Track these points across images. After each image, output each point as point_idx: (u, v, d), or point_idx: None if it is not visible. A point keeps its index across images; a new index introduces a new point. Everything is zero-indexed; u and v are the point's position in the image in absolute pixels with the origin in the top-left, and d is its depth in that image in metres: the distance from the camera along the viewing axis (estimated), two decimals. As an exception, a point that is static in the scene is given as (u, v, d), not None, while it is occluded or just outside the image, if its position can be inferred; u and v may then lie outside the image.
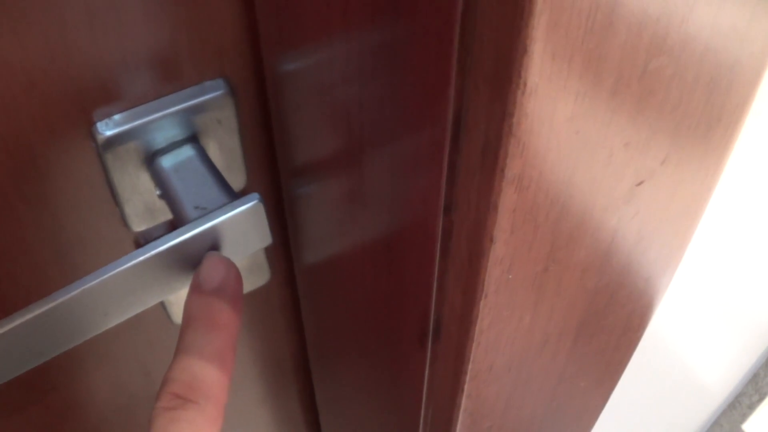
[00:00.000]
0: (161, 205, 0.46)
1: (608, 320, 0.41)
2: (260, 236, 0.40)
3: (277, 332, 0.67)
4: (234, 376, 0.68)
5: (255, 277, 0.58)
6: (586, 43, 0.24)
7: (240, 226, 0.39)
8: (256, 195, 0.39)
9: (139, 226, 0.47)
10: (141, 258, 0.37)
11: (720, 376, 1.09)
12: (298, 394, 0.77)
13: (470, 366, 0.36)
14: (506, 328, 0.35)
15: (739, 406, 1.17)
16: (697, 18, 0.27)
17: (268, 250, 0.57)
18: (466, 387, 0.37)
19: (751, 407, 1.14)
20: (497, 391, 0.40)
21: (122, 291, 0.38)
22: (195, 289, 0.37)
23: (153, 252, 0.37)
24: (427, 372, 0.40)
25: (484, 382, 0.38)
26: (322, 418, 0.76)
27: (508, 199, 0.27)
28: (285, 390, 0.76)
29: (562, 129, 0.26)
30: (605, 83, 0.26)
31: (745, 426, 1.18)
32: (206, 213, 0.39)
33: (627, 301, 0.40)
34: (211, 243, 0.39)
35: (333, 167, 0.41)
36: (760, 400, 1.12)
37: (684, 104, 0.30)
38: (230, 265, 0.38)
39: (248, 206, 0.39)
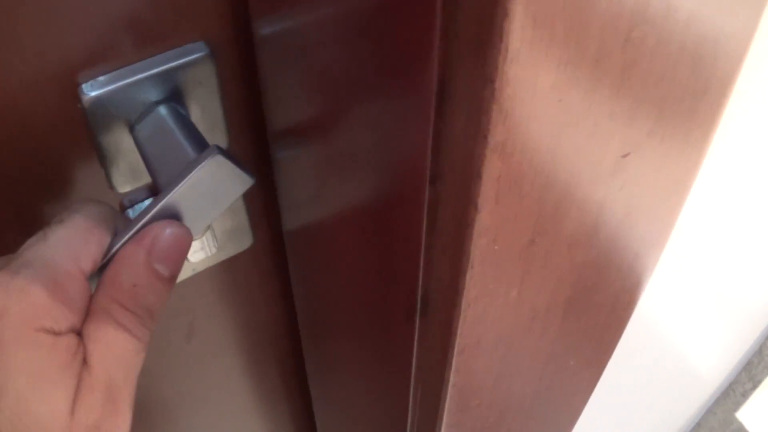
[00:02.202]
0: (143, 167, 0.47)
1: (597, 297, 0.41)
2: (237, 181, 0.40)
3: (264, 297, 0.68)
4: (222, 340, 0.69)
5: (238, 240, 0.59)
6: (568, 8, 0.24)
7: (208, 181, 0.39)
8: (213, 148, 0.39)
9: (123, 186, 0.48)
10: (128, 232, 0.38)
11: (713, 364, 1.10)
12: (286, 360, 0.78)
13: (458, 340, 0.36)
14: (494, 302, 0.35)
15: (732, 394, 1.17)
16: (680, -14, 0.27)
17: (252, 214, 0.57)
18: (454, 361, 0.37)
19: (745, 395, 1.15)
20: (486, 367, 0.40)
21: None
22: (143, 254, 0.37)
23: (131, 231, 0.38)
24: (415, 347, 0.40)
25: (473, 357, 0.38)
26: (312, 388, 0.76)
27: (492, 167, 0.27)
28: (273, 356, 0.76)
29: (545, 96, 0.26)
30: (588, 51, 0.26)
31: (738, 414, 1.19)
32: (173, 181, 0.39)
33: (616, 278, 0.41)
34: (183, 206, 0.39)
35: (318, 131, 0.41)
36: (754, 387, 1.12)
37: (669, 75, 0.30)
38: (183, 242, 0.39)
39: (209, 161, 0.39)
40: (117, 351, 0.35)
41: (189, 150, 0.42)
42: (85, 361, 0.35)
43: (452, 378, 0.39)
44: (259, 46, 0.44)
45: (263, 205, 0.57)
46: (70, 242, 0.36)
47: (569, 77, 0.26)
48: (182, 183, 0.38)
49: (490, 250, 0.31)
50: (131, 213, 0.51)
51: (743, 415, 1.18)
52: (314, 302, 0.59)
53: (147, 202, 0.51)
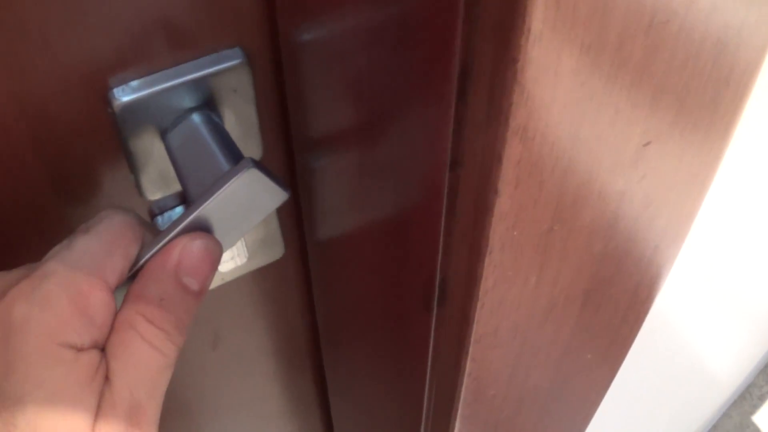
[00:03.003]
0: (174, 174, 0.46)
1: (615, 289, 0.41)
2: (270, 196, 0.40)
3: (292, 307, 0.67)
4: (247, 349, 0.68)
5: (269, 251, 0.58)
6: (592, -10, 0.24)
7: (243, 194, 0.39)
8: (248, 161, 0.38)
9: (153, 194, 0.47)
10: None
11: (730, 367, 1.09)
12: (311, 370, 0.78)
13: (475, 328, 0.36)
14: (511, 290, 0.35)
15: (749, 397, 1.17)
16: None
17: (283, 224, 0.57)
18: (470, 350, 0.37)
19: (762, 398, 1.14)
20: (502, 357, 0.40)
21: None
22: (172, 267, 0.36)
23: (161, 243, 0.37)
24: (432, 336, 0.40)
25: (489, 346, 0.38)
26: (331, 391, 0.76)
27: (512, 150, 0.27)
28: (297, 366, 0.76)
29: (567, 80, 0.26)
30: (610, 35, 0.26)
31: (755, 417, 1.18)
32: (207, 191, 0.38)
33: (635, 270, 0.41)
34: (214, 219, 0.38)
35: (343, 135, 0.41)
36: (771, 391, 1.12)
37: (691, 64, 0.30)
38: (211, 257, 0.37)
39: (243, 174, 0.38)
40: (141, 368, 0.34)
41: (222, 161, 0.41)
42: (107, 378, 0.33)
43: (468, 367, 0.39)
44: (293, 53, 0.43)
45: (295, 214, 0.57)
46: (95, 253, 0.35)
47: (592, 61, 0.26)
48: (215, 195, 0.37)
49: (509, 236, 0.31)
50: (160, 220, 0.50)
51: (760, 418, 1.18)
52: (334, 299, 0.59)
53: (177, 209, 0.50)
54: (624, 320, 0.45)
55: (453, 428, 0.45)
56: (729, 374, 1.12)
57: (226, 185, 0.37)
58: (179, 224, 0.37)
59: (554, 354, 0.44)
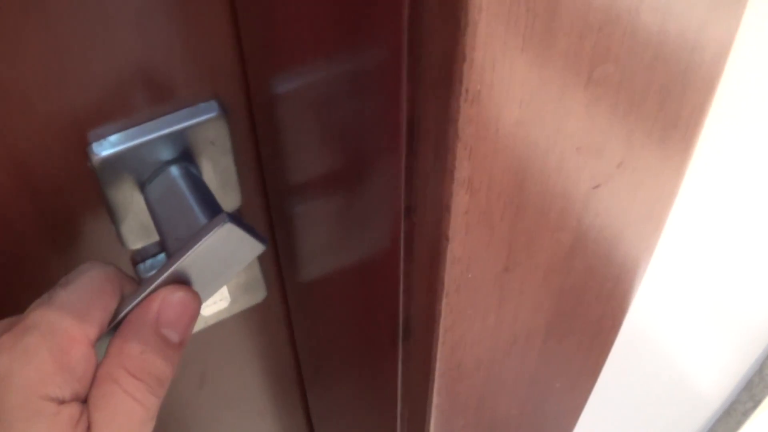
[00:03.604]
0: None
1: (577, 322, 0.42)
2: (248, 247, 0.40)
3: (277, 347, 0.68)
4: (235, 389, 0.69)
5: (251, 294, 0.59)
6: (526, 51, 0.25)
7: (219, 248, 0.39)
8: (224, 216, 0.39)
9: (134, 244, 0.48)
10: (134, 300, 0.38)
11: (714, 384, 1.10)
12: (298, 405, 0.78)
13: (438, 364, 0.37)
14: (471, 327, 0.36)
15: (734, 413, 1.17)
16: (642, 26, 0.28)
17: (265, 268, 0.58)
18: (435, 385, 0.38)
19: (746, 414, 1.15)
20: (468, 390, 0.41)
21: None
22: (152, 320, 0.37)
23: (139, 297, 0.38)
24: (400, 371, 0.41)
25: (454, 379, 0.39)
26: (316, 426, 0.77)
27: (459, 201, 0.28)
28: (284, 401, 0.77)
29: (509, 134, 0.27)
30: (550, 90, 0.27)
31: (741, 433, 1.19)
32: (183, 246, 0.39)
33: (596, 303, 0.42)
34: (193, 272, 0.39)
35: (312, 183, 0.42)
36: (755, 407, 1.12)
37: (635, 111, 0.31)
38: (190, 310, 0.38)
39: (219, 229, 0.38)
40: (122, 420, 0.35)
41: (200, 214, 0.42)
42: (89, 430, 0.34)
43: (435, 399, 0.40)
44: (264, 105, 0.44)
45: (275, 259, 0.58)
46: (75, 307, 0.35)
47: (533, 115, 0.27)
48: (192, 249, 0.38)
49: (464, 278, 0.32)
50: (142, 267, 0.51)
51: (745, 434, 1.19)
52: (314, 337, 0.60)
53: (159, 257, 0.51)
54: (590, 350, 0.46)
55: (426, 458, 0.46)
56: (713, 391, 1.13)
57: (203, 240, 0.38)
58: (158, 277, 0.38)
59: (521, 384, 0.45)
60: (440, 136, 0.27)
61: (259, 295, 0.59)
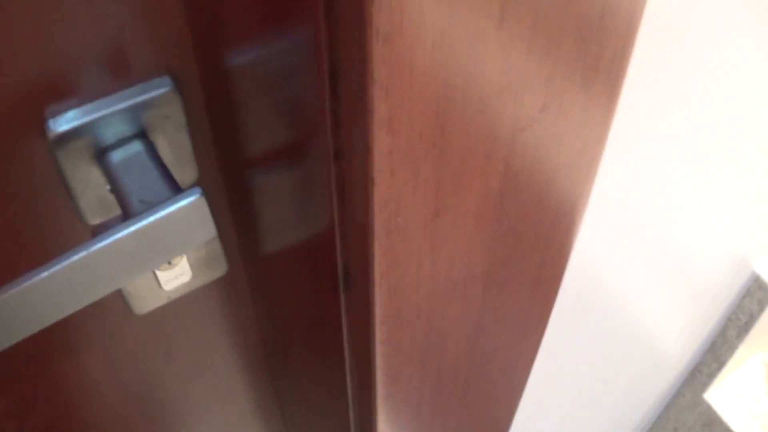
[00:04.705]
0: (114, 199, 0.48)
1: (516, 269, 0.43)
2: (204, 229, 0.42)
3: (242, 322, 0.69)
4: (201, 365, 0.70)
5: (212, 268, 0.60)
6: (434, -9, 0.26)
7: (183, 220, 0.41)
8: (198, 189, 0.40)
9: (94, 219, 0.49)
10: (86, 251, 0.39)
11: (676, 344, 1.12)
12: (268, 382, 0.79)
13: (377, 310, 0.38)
14: (407, 273, 0.37)
15: (699, 375, 1.20)
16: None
17: (226, 242, 0.59)
18: (377, 333, 0.40)
19: (711, 376, 1.17)
20: (411, 338, 0.42)
21: (73, 282, 0.40)
22: None
23: (98, 245, 0.39)
24: (344, 320, 0.42)
25: (395, 327, 0.40)
26: (281, 390, 0.78)
27: (381, 142, 0.29)
28: (254, 378, 0.78)
29: (424, 74, 0.28)
30: (461, 31, 0.28)
31: (706, 395, 1.21)
32: (150, 207, 0.40)
33: (533, 250, 0.43)
34: (155, 236, 0.40)
35: (263, 157, 0.43)
36: (719, 368, 1.15)
37: (553, 54, 0.32)
38: None
39: (190, 200, 0.40)
40: None
41: (162, 183, 0.43)
42: None
43: (378, 348, 0.41)
44: (215, 78, 0.45)
45: (234, 231, 0.59)
46: None
47: (446, 56, 0.29)
48: (160, 211, 0.39)
49: (393, 222, 0.33)
50: None
51: (711, 396, 1.21)
52: (273, 313, 0.61)
53: None
54: (533, 299, 0.47)
55: (375, 409, 0.47)
56: (676, 353, 1.15)
57: (174, 206, 0.39)
58: (118, 232, 0.39)
59: (465, 334, 0.46)
60: (358, 78, 0.28)
61: (219, 269, 0.60)
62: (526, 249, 0.42)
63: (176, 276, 0.57)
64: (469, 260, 0.40)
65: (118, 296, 0.55)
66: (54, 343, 0.55)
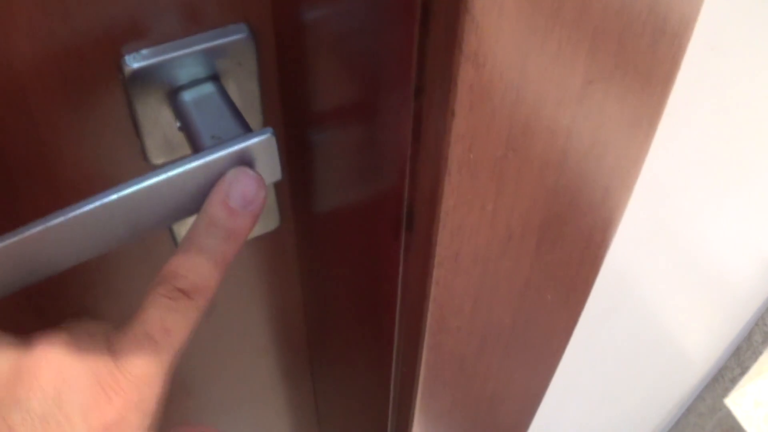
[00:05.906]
0: (180, 139, 0.50)
1: (570, 227, 0.45)
2: (271, 170, 0.44)
3: (287, 281, 0.71)
4: (241, 323, 0.71)
5: (265, 221, 0.62)
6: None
7: (253, 157, 0.42)
8: (269, 129, 0.42)
9: (158, 158, 0.51)
10: (153, 180, 0.40)
11: (703, 349, 1.13)
12: (304, 346, 0.81)
13: (437, 250, 0.40)
14: (470, 214, 0.39)
15: (721, 379, 1.21)
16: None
17: (279, 196, 0.61)
18: (434, 273, 0.42)
19: (733, 381, 1.18)
20: (464, 286, 0.44)
21: (132, 211, 0.41)
22: (222, 198, 0.41)
23: (165, 175, 0.41)
24: (401, 264, 0.44)
25: (452, 270, 0.42)
26: (314, 352, 0.80)
27: (466, 75, 0.31)
28: (290, 341, 0.80)
29: (512, 12, 0.30)
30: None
31: (727, 400, 1.22)
32: (221, 142, 0.42)
33: (587, 209, 0.45)
34: (225, 171, 0.42)
35: (330, 115, 0.45)
36: (743, 373, 1.16)
37: (627, 10, 0.34)
38: (261, 184, 0.42)
39: (262, 138, 0.42)
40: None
41: (235, 122, 0.45)
42: None
43: (433, 291, 0.43)
44: (291, 32, 0.47)
45: (290, 188, 0.60)
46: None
47: (534, -3, 0.31)
48: (231, 148, 0.41)
49: (465, 158, 0.35)
50: None
51: (731, 401, 1.22)
52: (320, 276, 0.63)
53: None
54: (581, 262, 0.49)
55: (420, 359, 0.49)
56: (700, 356, 1.16)
57: (246, 143, 0.41)
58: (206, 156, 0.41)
59: (515, 289, 0.48)
60: (450, 10, 0.30)
61: (272, 222, 0.62)
62: (580, 208, 0.44)
63: None
64: (528, 210, 0.41)
65: (165, 238, 0.56)
66: (99, 285, 0.57)
